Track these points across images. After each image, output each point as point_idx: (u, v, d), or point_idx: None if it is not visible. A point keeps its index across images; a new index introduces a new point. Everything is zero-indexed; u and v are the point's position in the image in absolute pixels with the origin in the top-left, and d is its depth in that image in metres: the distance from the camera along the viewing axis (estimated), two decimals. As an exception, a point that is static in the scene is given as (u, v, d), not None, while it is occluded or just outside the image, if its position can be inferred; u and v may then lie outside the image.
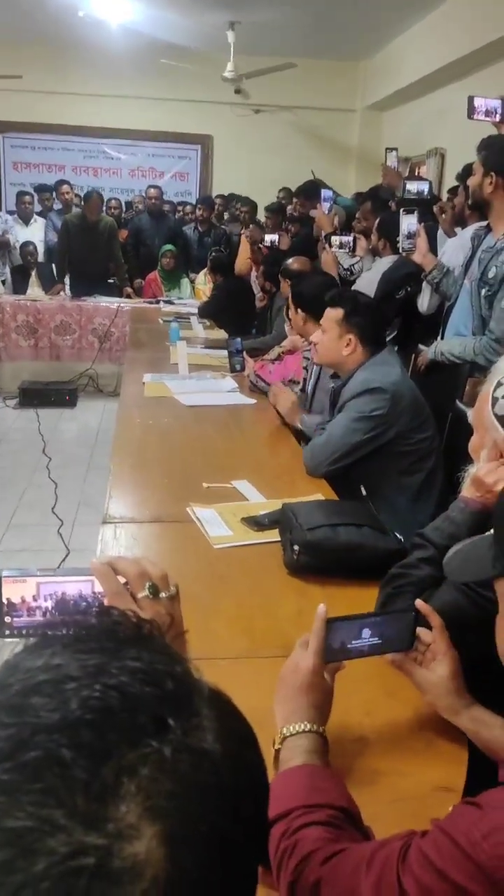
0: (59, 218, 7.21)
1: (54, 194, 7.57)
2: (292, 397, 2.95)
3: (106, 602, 0.84)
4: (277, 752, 1.01)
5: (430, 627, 1.16)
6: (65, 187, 7.41)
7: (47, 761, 0.36)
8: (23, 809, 0.34)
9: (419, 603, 1.16)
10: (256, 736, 0.46)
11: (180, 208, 8.08)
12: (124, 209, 8.15)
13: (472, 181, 2.84)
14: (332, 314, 2.49)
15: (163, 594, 0.84)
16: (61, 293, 6.77)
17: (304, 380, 3.16)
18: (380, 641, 1.13)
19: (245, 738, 0.44)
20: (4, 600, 0.86)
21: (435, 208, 3.86)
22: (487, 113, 3.06)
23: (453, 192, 4.56)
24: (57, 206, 7.51)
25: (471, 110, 3.04)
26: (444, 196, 4.82)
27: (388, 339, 3.63)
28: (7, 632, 0.86)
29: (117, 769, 0.36)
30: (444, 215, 3.75)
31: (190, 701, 0.41)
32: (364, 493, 2.36)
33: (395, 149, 5.27)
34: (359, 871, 0.77)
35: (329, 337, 2.47)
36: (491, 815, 0.75)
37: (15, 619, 0.86)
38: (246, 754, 0.43)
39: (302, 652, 1.08)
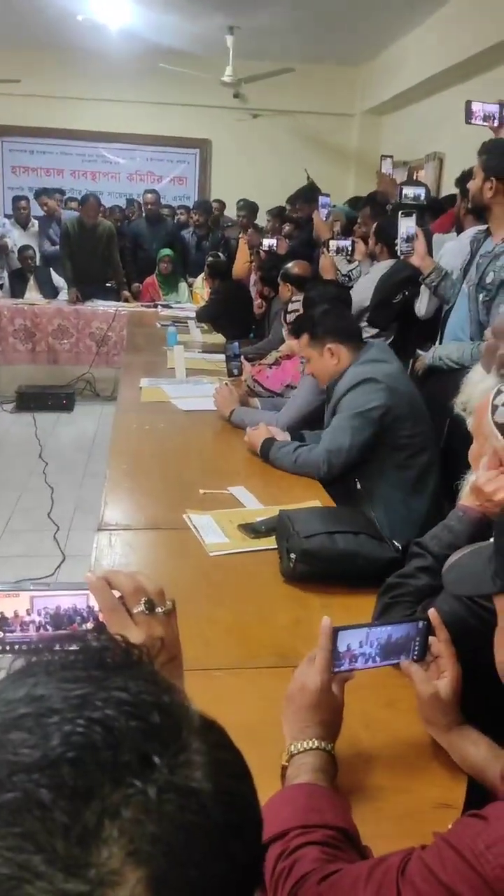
0: (48, 226, 7.19)
1: (33, 203, 7.52)
2: (226, 392, 3.00)
3: (101, 617, 0.82)
4: (284, 768, 0.99)
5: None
6: (43, 197, 7.38)
7: (26, 803, 0.34)
8: (0, 855, 0.33)
9: (431, 613, 1.13)
10: (248, 767, 0.44)
11: (181, 212, 8.05)
12: (125, 206, 8.12)
13: (471, 185, 2.83)
14: (302, 342, 2.58)
15: (159, 609, 0.82)
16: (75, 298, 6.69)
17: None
18: (390, 651, 1.10)
19: (236, 771, 0.42)
20: (-2, 614, 0.85)
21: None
22: (485, 118, 3.06)
23: (448, 200, 4.55)
24: (36, 212, 7.45)
25: (468, 115, 3.03)
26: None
27: (385, 343, 3.64)
28: (-1, 647, 0.85)
29: (99, 811, 0.35)
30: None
31: (178, 734, 0.40)
32: (359, 486, 2.36)
33: (390, 156, 5.28)
34: (357, 888, 0.75)
35: (315, 361, 2.54)
36: (495, 825, 0.73)
37: (7, 633, 0.85)
38: (237, 789, 0.41)
39: (308, 668, 1.05)
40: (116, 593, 0.82)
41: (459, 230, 3.62)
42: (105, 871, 0.34)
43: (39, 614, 0.85)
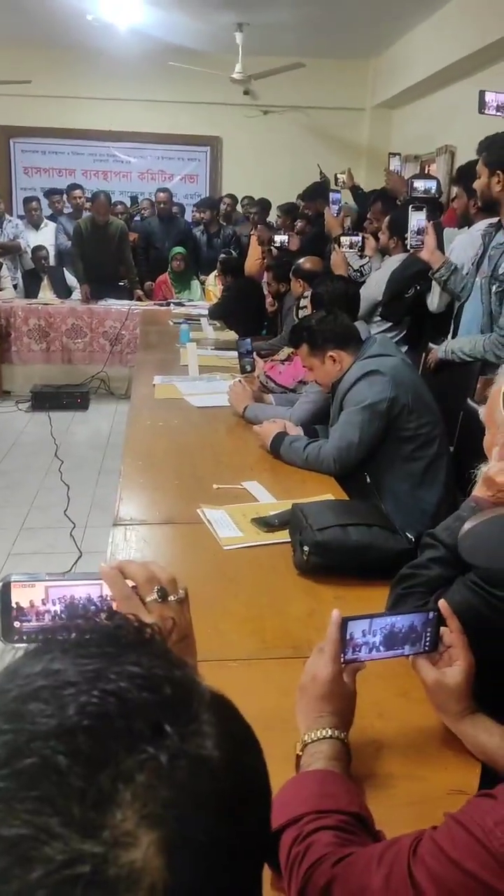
0: (70, 222, 7.21)
1: (65, 198, 7.55)
2: (240, 389, 3.00)
3: (115, 606, 0.84)
4: (298, 758, 1.00)
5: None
6: (77, 192, 7.40)
7: (43, 768, 0.35)
8: (18, 817, 0.34)
9: (441, 604, 1.13)
10: (258, 740, 0.45)
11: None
12: (129, 204, 8.11)
13: (478, 184, 2.82)
14: (302, 353, 2.58)
15: (171, 598, 0.83)
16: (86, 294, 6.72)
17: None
18: (396, 641, 1.10)
19: (246, 742, 0.44)
20: (14, 605, 0.86)
21: None
22: (499, 108, 3.03)
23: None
24: (67, 209, 7.51)
25: (482, 105, 3.01)
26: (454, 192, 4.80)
27: (397, 338, 3.64)
28: (16, 637, 0.86)
29: (114, 776, 0.36)
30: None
31: (189, 706, 0.41)
32: (368, 480, 2.36)
33: (398, 154, 5.28)
34: (369, 869, 0.76)
35: (317, 369, 2.55)
36: None
37: (24, 623, 0.86)
38: (246, 759, 0.43)
39: (318, 659, 1.06)
40: (130, 583, 0.84)
41: (462, 225, 3.61)
42: (119, 833, 0.35)
43: (55, 604, 0.86)
